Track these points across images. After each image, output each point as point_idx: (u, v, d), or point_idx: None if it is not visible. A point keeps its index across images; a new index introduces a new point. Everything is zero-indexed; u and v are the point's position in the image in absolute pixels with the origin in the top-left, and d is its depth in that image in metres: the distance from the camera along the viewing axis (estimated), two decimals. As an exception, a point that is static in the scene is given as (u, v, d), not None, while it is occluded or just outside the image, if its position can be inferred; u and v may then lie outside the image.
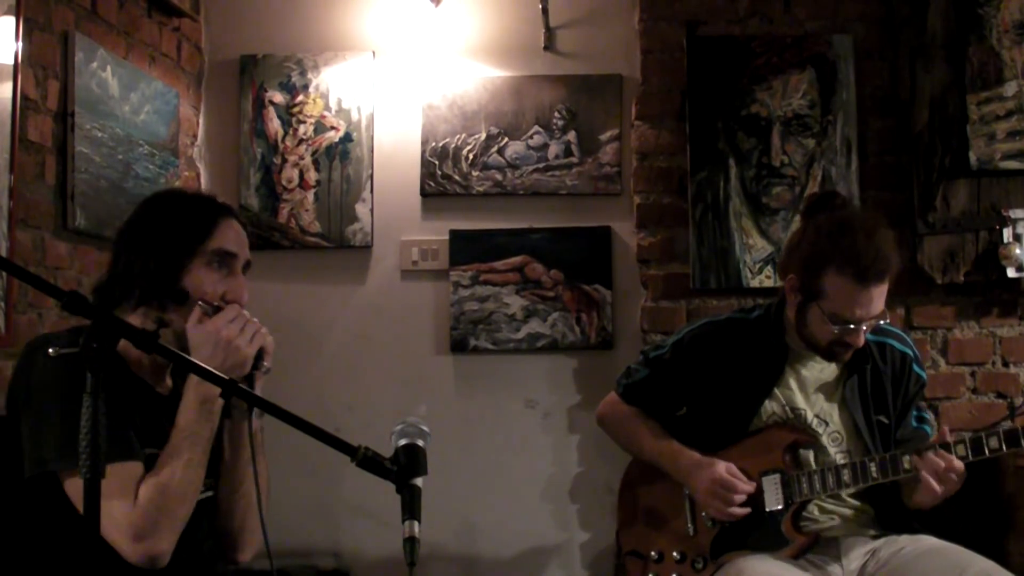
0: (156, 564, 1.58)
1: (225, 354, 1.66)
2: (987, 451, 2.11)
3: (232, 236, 1.78)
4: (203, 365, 1.46)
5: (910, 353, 2.37)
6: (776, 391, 2.32)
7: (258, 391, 1.64)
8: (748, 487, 2.26)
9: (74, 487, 1.58)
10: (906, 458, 2.15)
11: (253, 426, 1.76)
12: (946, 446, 2.13)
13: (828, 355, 2.28)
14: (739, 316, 2.46)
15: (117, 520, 1.54)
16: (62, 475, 1.59)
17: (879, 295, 2.16)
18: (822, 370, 2.33)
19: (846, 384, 2.30)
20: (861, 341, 2.22)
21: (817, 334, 2.24)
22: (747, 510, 2.27)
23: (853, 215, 2.26)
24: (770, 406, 2.32)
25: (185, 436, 1.64)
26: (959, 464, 2.10)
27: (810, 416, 2.31)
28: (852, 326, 2.18)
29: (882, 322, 2.25)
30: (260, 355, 1.72)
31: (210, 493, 1.80)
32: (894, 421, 2.31)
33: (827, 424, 2.31)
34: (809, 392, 2.33)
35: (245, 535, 1.82)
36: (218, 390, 1.61)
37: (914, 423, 2.37)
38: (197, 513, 1.76)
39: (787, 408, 2.32)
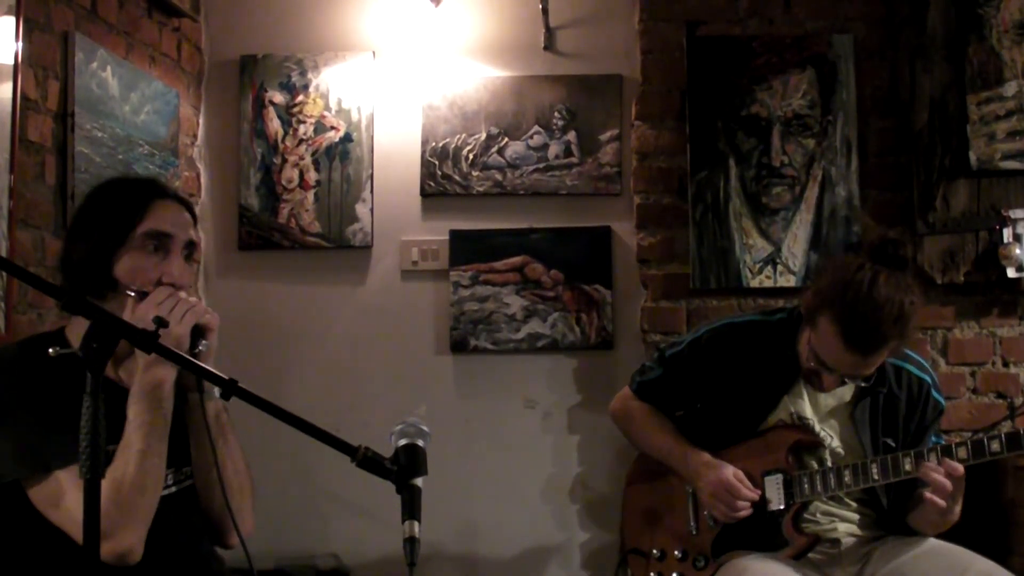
0: (126, 560, 1.54)
1: None
2: (988, 454, 2.10)
3: (167, 217, 1.72)
4: (201, 364, 1.45)
5: (928, 380, 2.33)
6: (786, 399, 2.32)
7: (211, 367, 1.51)
8: (753, 494, 2.26)
9: (39, 494, 1.56)
10: (907, 460, 2.15)
11: (215, 407, 1.74)
12: (947, 449, 2.12)
13: (805, 376, 2.30)
14: (760, 319, 2.44)
15: (79, 522, 1.47)
16: (25, 484, 1.56)
17: (862, 364, 2.13)
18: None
19: (858, 404, 2.28)
20: (829, 387, 2.27)
21: (801, 352, 2.26)
22: (747, 511, 2.27)
23: (878, 278, 2.08)
24: (778, 413, 2.32)
25: (137, 426, 1.59)
26: (959, 467, 2.09)
27: (817, 427, 2.31)
28: (827, 370, 2.19)
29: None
30: (199, 333, 1.66)
31: (190, 482, 1.79)
32: (901, 445, 2.28)
33: (832, 438, 2.30)
34: (819, 404, 2.32)
35: (227, 519, 1.78)
36: (164, 376, 1.61)
37: None
38: (185, 505, 1.76)
39: (795, 416, 2.32)
